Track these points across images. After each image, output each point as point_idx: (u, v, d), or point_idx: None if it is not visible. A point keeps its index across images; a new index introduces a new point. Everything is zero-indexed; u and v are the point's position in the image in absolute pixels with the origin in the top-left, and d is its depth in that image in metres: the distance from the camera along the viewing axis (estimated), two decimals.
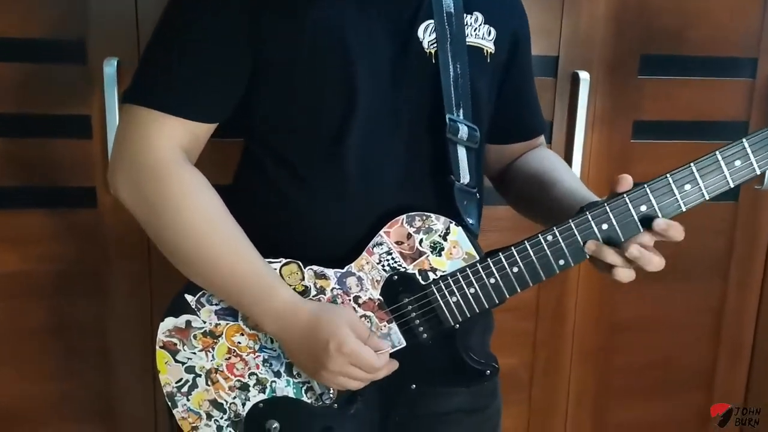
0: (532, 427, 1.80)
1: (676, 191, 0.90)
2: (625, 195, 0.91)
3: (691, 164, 0.89)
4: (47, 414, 1.58)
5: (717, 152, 0.88)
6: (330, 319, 0.93)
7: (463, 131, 0.98)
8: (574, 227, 0.93)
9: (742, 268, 1.79)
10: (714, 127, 1.67)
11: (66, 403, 1.58)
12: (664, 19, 1.58)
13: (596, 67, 1.58)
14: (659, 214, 0.91)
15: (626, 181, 0.92)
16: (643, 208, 0.91)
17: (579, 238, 0.93)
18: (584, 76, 1.55)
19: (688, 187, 0.90)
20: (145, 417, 1.61)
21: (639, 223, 0.91)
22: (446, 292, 0.96)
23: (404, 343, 0.98)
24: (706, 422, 1.88)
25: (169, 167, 0.91)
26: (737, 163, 0.88)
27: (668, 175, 0.90)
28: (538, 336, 1.74)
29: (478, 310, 0.97)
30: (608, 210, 0.92)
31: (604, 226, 0.92)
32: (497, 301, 0.97)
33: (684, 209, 0.91)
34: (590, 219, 0.92)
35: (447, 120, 0.96)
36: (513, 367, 1.74)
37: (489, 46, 1.03)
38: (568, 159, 1.59)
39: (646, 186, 0.91)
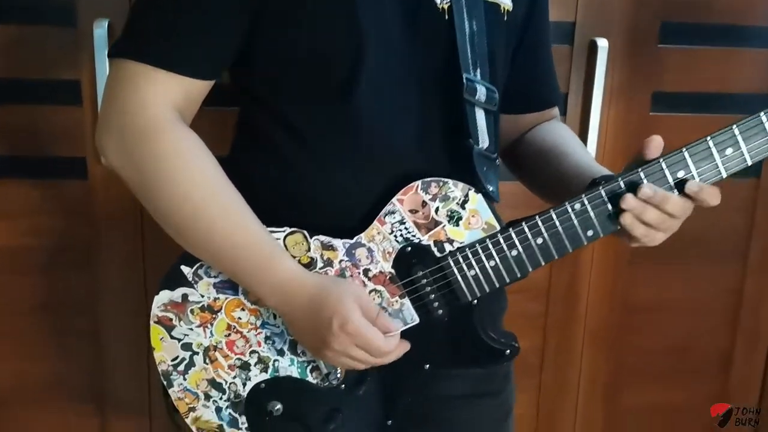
0: (542, 413, 1.76)
1: (716, 155, 0.84)
2: (661, 159, 0.85)
3: (734, 126, 0.83)
4: (35, 394, 1.55)
5: (762, 113, 0.82)
6: (335, 294, 0.87)
7: (481, 92, 0.92)
8: (604, 194, 0.86)
9: (762, 249, 1.73)
10: (737, 100, 1.60)
11: (55, 383, 1.55)
12: None
13: (615, 34, 1.51)
14: (698, 180, 0.85)
15: (657, 143, 0.85)
16: (680, 173, 0.85)
17: (609, 207, 0.86)
18: (602, 43, 1.48)
19: (729, 151, 0.84)
20: (139, 398, 1.57)
21: (675, 190, 0.85)
22: (464, 265, 0.90)
23: (417, 320, 0.92)
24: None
25: (161, 126, 0.85)
26: None
27: (708, 138, 0.84)
28: (549, 318, 1.69)
29: (498, 285, 0.91)
30: (642, 176, 0.85)
31: None
32: (519, 275, 0.90)
33: (724, 175, 0.85)
34: (623, 186, 0.86)
35: (464, 79, 0.90)
36: (522, 351, 1.66)
37: (506, 3, 0.96)
38: (584, 132, 1.53)
39: (684, 150, 0.84)
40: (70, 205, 1.44)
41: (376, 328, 0.87)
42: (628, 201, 0.84)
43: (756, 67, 1.59)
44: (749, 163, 0.84)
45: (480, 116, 0.93)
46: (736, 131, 0.83)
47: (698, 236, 1.64)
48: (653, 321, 1.74)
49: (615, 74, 1.53)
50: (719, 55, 1.57)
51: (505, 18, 0.97)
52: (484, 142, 0.93)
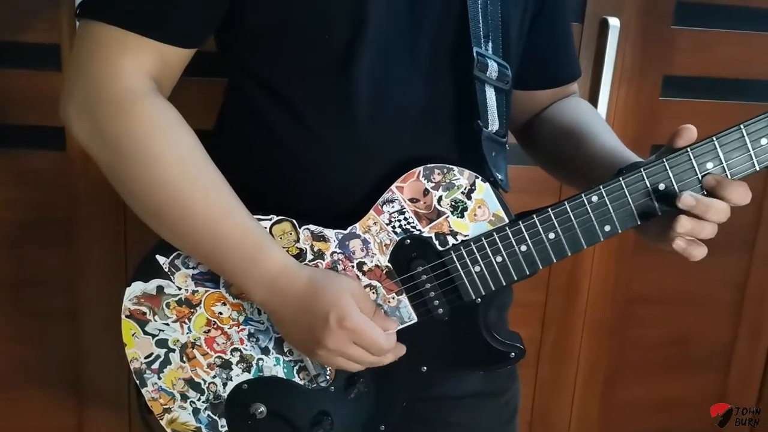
0: (537, 405, 1.73)
1: (750, 146, 0.77)
2: (688, 149, 0.78)
3: None
4: (7, 378, 1.49)
5: None
6: (331, 288, 0.81)
7: (493, 68, 0.85)
8: (624, 186, 0.80)
9: None
10: (750, 87, 1.56)
11: (28, 367, 1.49)
12: None
13: (627, 13, 1.46)
14: (728, 174, 0.78)
15: (690, 133, 0.79)
16: (710, 165, 0.78)
17: (630, 200, 0.80)
18: (614, 22, 1.43)
19: (764, 141, 0.77)
20: (117, 384, 1.52)
21: (702, 184, 0.79)
22: (468, 261, 0.83)
23: (415, 319, 0.86)
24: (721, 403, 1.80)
25: (135, 97, 0.77)
26: None
27: (742, 126, 0.77)
28: (548, 309, 1.65)
29: (505, 283, 0.84)
30: (667, 166, 0.78)
31: (661, 187, 0.79)
32: (528, 273, 0.84)
33: (758, 168, 0.78)
34: (645, 177, 0.79)
35: (474, 54, 0.83)
36: None
37: None
38: None
39: (714, 139, 0.77)
40: (47, 178, 1.39)
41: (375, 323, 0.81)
42: (685, 199, 0.77)
43: None
44: None
45: (490, 95, 0.87)
46: None
47: None
48: (654, 313, 1.71)
49: (626, 55, 1.48)
50: (736, 39, 1.52)
51: None
52: (494, 124, 0.87)
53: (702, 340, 1.75)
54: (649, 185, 0.79)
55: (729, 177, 0.78)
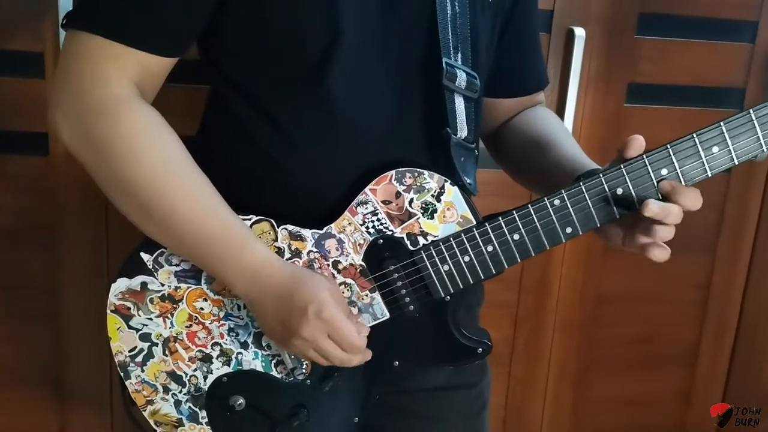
0: (511, 404, 1.75)
1: (702, 153, 0.81)
2: (644, 156, 0.82)
3: (721, 123, 0.80)
4: None
5: (751, 110, 0.79)
6: (311, 282, 0.83)
7: (462, 78, 0.88)
8: (585, 191, 0.83)
9: (731, 243, 1.74)
10: (710, 93, 1.60)
11: (10, 369, 1.49)
12: None
13: (592, 23, 1.50)
14: (682, 179, 0.82)
15: (638, 143, 0.82)
16: (664, 171, 0.82)
17: (590, 203, 0.83)
18: (580, 32, 1.47)
19: (715, 149, 0.81)
20: (99, 384, 1.52)
21: (658, 189, 0.82)
22: (437, 260, 0.87)
23: (387, 315, 0.89)
24: (688, 399, 1.85)
25: (119, 104, 0.79)
26: None
27: (695, 135, 0.81)
28: (520, 308, 1.68)
29: (472, 281, 0.87)
30: (624, 172, 0.82)
31: (619, 191, 0.83)
32: (494, 272, 0.87)
33: (710, 174, 0.82)
34: (603, 182, 0.83)
35: (444, 64, 0.86)
36: (493, 340, 1.66)
37: None
38: None
39: (668, 146, 0.81)
40: (30, 183, 1.39)
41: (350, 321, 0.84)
42: (650, 207, 0.81)
43: (729, 61, 1.59)
44: (736, 162, 0.81)
45: (459, 103, 0.89)
46: (724, 128, 0.80)
47: None
48: (623, 312, 1.74)
49: (592, 64, 1.52)
50: (696, 48, 1.56)
51: (490, 0, 0.93)
52: (462, 131, 0.90)
53: (669, 339, 1.78)
54: (607, 190, 0.83)
55: (683, 183, 0.82)
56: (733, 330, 1.81)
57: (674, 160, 0.81)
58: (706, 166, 0.81)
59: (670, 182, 0.82)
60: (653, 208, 0.80)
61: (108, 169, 0.81)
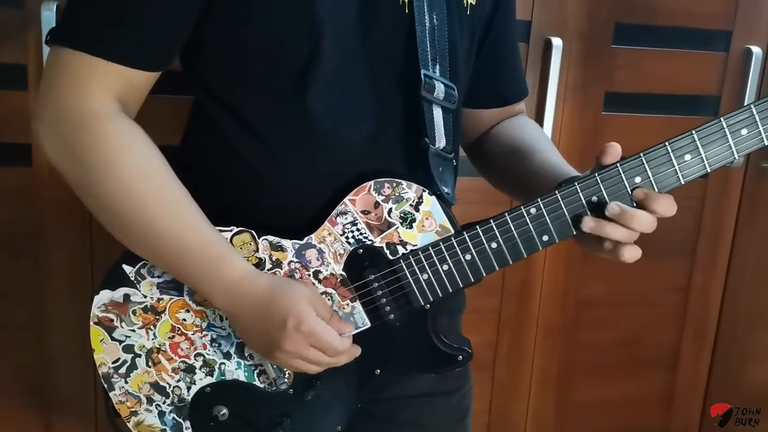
0: (494, 408, 1.77)
1: (674, 161, 0.83)
2: (618, 164, 0.84)
3: (693, 131, 0.82)
4: None
5: (722, 119, 0.81)
6: (288, 294, 0.84)
7: (440, 89, 0.89)
8: (560, 199, 0.85)
9: (709, 246, 1.77)
10: (686, 101, 1.64)
11: None
12: None
13: (569, 33, 1.53)
14: (655, 187, 0.84)
15: (614, 150, 0.84)
16: (638, 179, 0.84)
17: (566, 212, 0.85)
18: (557, 42, 1.50)
19: (688, 157, 0.83)
20: (83, 395, 1.52)
21: (632, 197, 0.84)
22: (417, 269, 0.88)
23: (369, 324, 0.90)
24: (670, 401, 1.87)
25: (100, 117, 0.80)
26: (743, 131, 0.80)
27: (667, 144, 0.82)
28: (502, 314, 1.70)
29: (451, 290, 0.89)
30: (599, 181, 0.84)
31: (594, 199, 0.84)
32: (473, 280, 0.88)
33: (683, 182, 0.84)
34: (579, 191, 0.84)
35: (422, 76, 0.87)
36: (475, 346, 1.67)
37: None
38: None
39: (641, 155, 0.83)
40: (14, 193, 1.39)
41: (331, 327, 0.85)
42: (587, 223, 0.83)
43: (704, 69, 1.62)
44: (708, 170, 0.83)
45: (438, 114, 0.90)
46: (696, 137, 0.82)
47: (649, 235, 1.66)
48: (604, 316, 1.76)
49: (569, 73, 1.55)
50: (671, 57, 1.60)
51: (468, 12, 0.94)
52: (440, 141, 0.91)
53: (650, 342, 1.80)
54: (582, 198, 0.84)
55: (657, 190, 0.83)
56: (713, 332, 1.84)
57: (647, 168, 0.83)
58: (679, 174, 0.83)
59: (644, 190, 0.83)
60: (614, 209, 0.82)
61: (89, 184, 0.82)
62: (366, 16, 0.85)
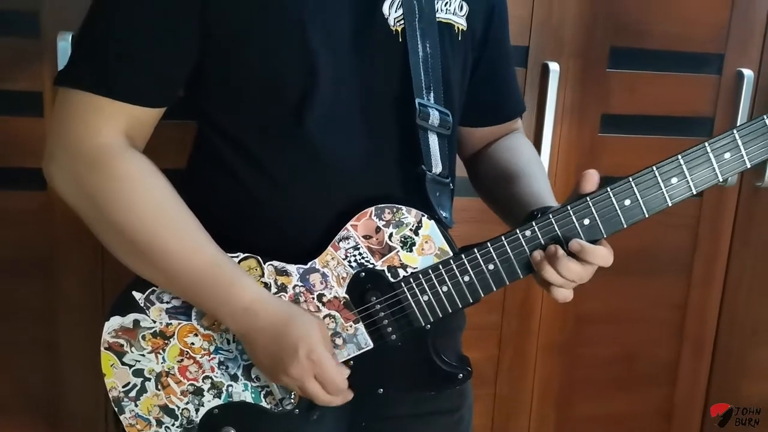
0: (497, 423, 1.78)
1: (662, 184, 0.85)
2: (608, 188, 0.86)
3: (679, 156, 0.85)
4: None
5: (706, 143, 0.84)
6: (301, 321, 0.87)
7: (435, 116, 0.92)
8: (554, 222, 0.88)
9: (705, 264, 1.79)
10: (680, 123, 1.67)
11: (5, 397, 1.51)
12: (633, 12, 1.57)
13: (566, 58, 1.57)
14: (644, 209, 0.86)
15: (591, 178, 0.86)
16: (627, 202, 0.86)
17: (560, 234, 0.88)
18: (554, 67, 1.54)
19: (674, 180, 0.85)
20: (94, 416, 1.54)
21: (622, 217, 0.87)
22: (417, 291, 0.91)
23: (371, 345, 0.93)
24: (669, 416, 1.88)
25: (109, 153, 0.83)
26: (726, 155, 0.83)
27: (654, 168, 0.85)
28: (504, 330, 1.71)
29: (450, 310, 0.91)
30: (590, 204, 0.87)
31: (586, 221, 0.87)
32: (471, 301, 0.91)
33: (670, 204, 0.86)
34: (571, 214, 0.87)
35: (417, 105, 0.90)
36: (478, 362, 1.69)
37: (460, 23, 0.96)
38: (537, 151, 1.55)
39: (630, 179, 0.86)
40: (29, 217, 1.42)
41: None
42: (534, 257, 0.87)
43: (697, 92, 1.65)
44: (694, 192, 0.85)
45: (433, 141, 0.93)
46: (682, 161, 0.84)
47: (646, 251, 1.70)
48: (603, 332, 1.77)
49: (566, 96, 1.58)
50: (663, 80, 1.63)
51: (460, 38, 0.96)
52: (437, 167, 0.93)
53: (648, 358, 1.81)
54: (575, 221, 0.87)
55: (646, 212, 0.86)
56: (711, 348, 1.85)
57: (636, 191, 0.86)
58: (666, 196, 0.86)
59: (579, 242, 0.86)
60: (574, 246, 0.86)
61: (101, 217, 0.85)
62: (359, 45, 0.88)
